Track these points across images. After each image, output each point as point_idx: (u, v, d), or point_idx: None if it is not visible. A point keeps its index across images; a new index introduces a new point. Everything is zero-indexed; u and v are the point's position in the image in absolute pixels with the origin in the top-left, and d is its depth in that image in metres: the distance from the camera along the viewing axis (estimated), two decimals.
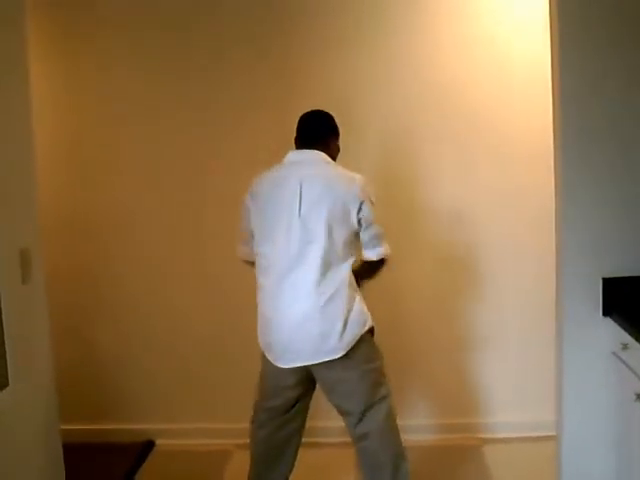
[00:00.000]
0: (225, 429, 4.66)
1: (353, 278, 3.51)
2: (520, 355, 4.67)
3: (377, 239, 3.56)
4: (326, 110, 3.71)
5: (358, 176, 3.51)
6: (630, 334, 3.01)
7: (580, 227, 3.28)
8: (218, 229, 4.61)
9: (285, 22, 4.54)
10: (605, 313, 3.26)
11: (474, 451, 4.57)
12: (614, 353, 3.22)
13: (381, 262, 3.64)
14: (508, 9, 4.45)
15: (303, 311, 3.41)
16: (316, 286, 3.40)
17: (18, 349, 2.86)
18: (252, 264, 3.65)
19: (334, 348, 3.41)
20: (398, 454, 3.62)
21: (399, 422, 3.64)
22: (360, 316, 3.47)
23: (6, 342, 2.76)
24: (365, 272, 3.66)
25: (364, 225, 3.49)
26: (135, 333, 4.80)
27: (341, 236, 3.43)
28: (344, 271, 3.45)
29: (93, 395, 4.79)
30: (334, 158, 3.67)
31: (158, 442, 4.85)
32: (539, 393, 4.44)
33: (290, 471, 3.76)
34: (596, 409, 3.36)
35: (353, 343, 3.44)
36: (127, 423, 4.81)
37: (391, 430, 3.62)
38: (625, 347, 3.09)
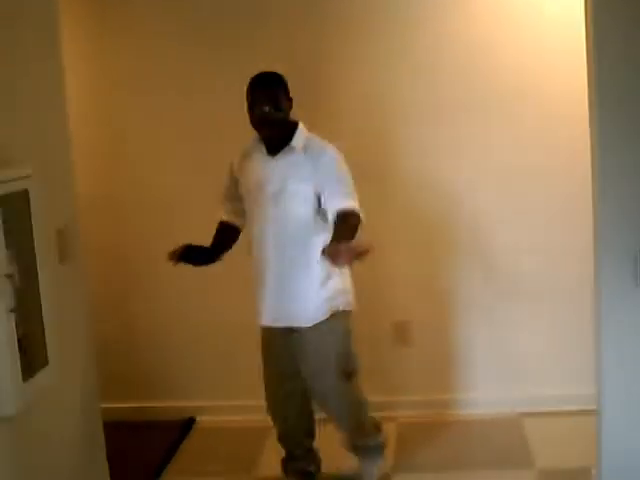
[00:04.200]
0: (265, 405, 4.69)
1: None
2: (555, 329, 4.66)
3: None
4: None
5: None
6: None
7: (616, 200, 3.20)
8: None
9: None
10: None
11: (514, 424, 4.55)
12: None
13: None
14: None
15: None
16: None
17: (57, 328, 2.87)
18: None
19: None
20: None
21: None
22: None
23: (45, 321, 2.77)
24: None
25: None
26: (175, 312, 4.84)
27: None
28: None
29: (133, 373, 4.84)
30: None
31: (198, 419, 4.89)
32: (576, 367, 4.40)
33: None
34: (636, 382, 3.30)
35: None
36: (168, 401, 4.85)
37: None
38: None
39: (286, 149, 3.64)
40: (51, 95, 3.10)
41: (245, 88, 3.66)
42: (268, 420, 4.35)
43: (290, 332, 3.75)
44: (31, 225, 2.72)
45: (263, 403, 4.37)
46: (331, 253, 3.18)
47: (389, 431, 4.44)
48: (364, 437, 3.97)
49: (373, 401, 4.07)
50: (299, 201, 3.62)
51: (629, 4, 3.07)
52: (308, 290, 3.68)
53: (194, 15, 4.60)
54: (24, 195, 2.68)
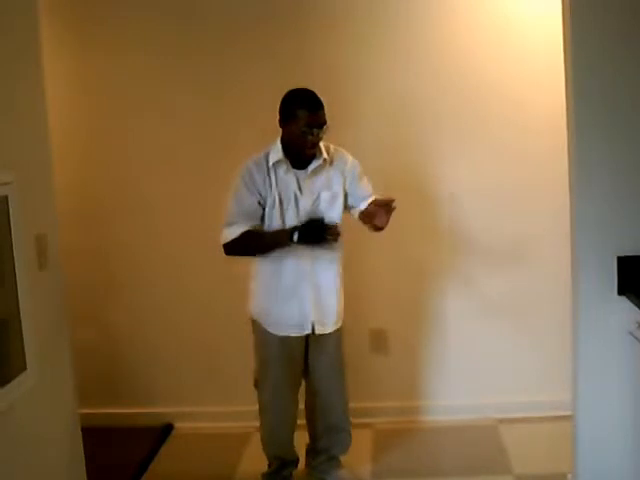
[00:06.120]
0: (244, 412, 4.66)
1: (257, 270, 3.89)
2: (529, 336, 4.69)
3: None
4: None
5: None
6: None
7: (594, 205, 3.25)
8: None
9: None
10: (620, 292, 3.24)
11: (490, 431, 4.57)
12: (630, 332, 3.20)
13: None
14: None
15: None
16: None
17: (35, 334, 2.88)
18: None
19: None
20: None
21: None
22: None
23: (23, 327, 2.78)
24: None
25: None
26: (153, 318, 4.83)
27: None
28: None
29: (112, 379, 4.83)
30: (287, 143, 3.70)
31: (177, 425, 4.88)
32: (552, 372, 4.43)
33: None
34: (612, 388, 3.34)
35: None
36: (146, 407, 4.84)
37: None
38: None
39: (318, 163, 3.71)
40: (31, 101, 3.10)
41: (281, 103, 3.69)
42: (246, 427, 4.36)
43: (307, 337, 3.84)
44: (10, 231, 2.74)
45: (241, 409, 4.39)
46: (371, 212, 3.59)
47: (365, 438, 4.48)
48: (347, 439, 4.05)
49: (350, 407, 4.09)
50: (335, 210, 3.77)
51: (605, 21, 3.14)
52: (339, 297, 3.85)
53: (180, 25, 4.63)
54: (4, 201, 2.69)
